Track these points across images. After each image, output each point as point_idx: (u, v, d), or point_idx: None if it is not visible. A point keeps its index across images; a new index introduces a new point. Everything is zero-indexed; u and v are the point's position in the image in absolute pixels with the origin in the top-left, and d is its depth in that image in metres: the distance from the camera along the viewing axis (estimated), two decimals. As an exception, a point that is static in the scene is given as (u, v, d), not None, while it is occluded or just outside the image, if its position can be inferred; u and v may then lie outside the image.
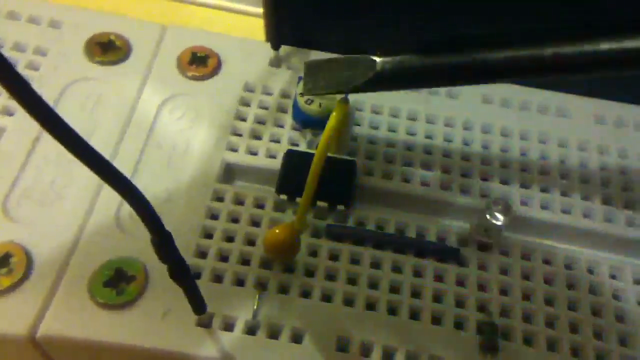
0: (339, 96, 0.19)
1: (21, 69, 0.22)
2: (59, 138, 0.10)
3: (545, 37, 0.15)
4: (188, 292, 0.15)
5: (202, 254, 0.18)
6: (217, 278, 0.18)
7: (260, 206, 0.20)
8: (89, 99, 0.22)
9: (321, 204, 0.20)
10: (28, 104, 0.09)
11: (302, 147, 0.21)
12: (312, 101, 0.21)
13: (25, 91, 0.09)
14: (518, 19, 0.21)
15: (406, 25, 0.23)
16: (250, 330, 0.17)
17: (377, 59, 0.16)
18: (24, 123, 0.20)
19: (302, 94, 0.21)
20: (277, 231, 0.17)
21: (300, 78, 0.22)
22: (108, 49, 0.23)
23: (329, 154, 0.20)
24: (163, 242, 0.13)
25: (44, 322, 0.16)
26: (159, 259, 0.13)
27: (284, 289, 0.18)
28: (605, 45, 0.14)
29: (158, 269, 0.18)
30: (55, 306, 0.17)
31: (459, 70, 0.16)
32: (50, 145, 0.20)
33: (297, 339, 0.17)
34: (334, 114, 0.17)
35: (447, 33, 0.22)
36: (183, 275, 0.14)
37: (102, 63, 0.23)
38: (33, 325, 0.16)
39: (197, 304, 0.16)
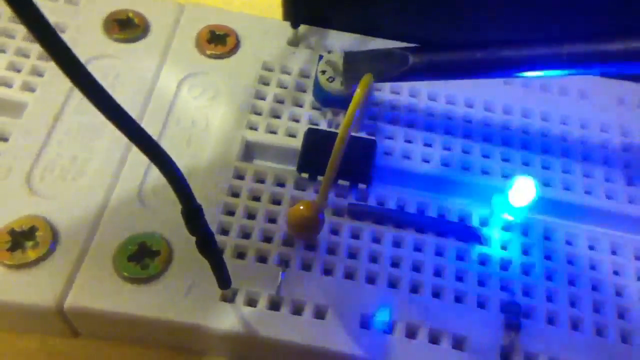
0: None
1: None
2: (93, 99, 0.10)
3: (563, 39, 0.17)
4: (215, 265, 0.15)
5: (225, 231, 0.18)
6: (240, 255, 0.18)
7: (281, 184, 0.20)
8: (108, 76, 0.21)
9: (342, 182, 0.20)
10: (63, 61, 0.09)
11: (322, 126, 0.21)
12: (333, 79, 0.20)
13: (61, 48, 0.09)
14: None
15: (424, 6, 0.23)
16: (274, 305, 0.17)
17: (410, 54, 0.17)
18: (45, 99, 0.20)
19: (323, 72, 0.20)
20: (301, 207, 0.17)
21: (321, 57, 0.21)
22: (126, 27, 0.23)
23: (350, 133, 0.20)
24: (193, 213, 0.13)
25: (70, 294, 0.16)
26: (188, 230, 0.13)
27: (306, 267, 0.18)
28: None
29: (182, 245, 0.18)
30: (81, 279, 0.17)
31: (482, 66, 0.18)
32: (71, 121, 0.20)
33: (320, 315, 0.17)
34: (358, 90, 0.17)
35: (459, 13, 0.23)
36: (211, 248, 0.14)
37: (121, 40, 0.22)
38: (60, 297, 0.16)
39: (223, 278, 0.16)
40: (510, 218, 0.19)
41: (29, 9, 0.08)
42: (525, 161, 0.21)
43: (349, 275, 0.18)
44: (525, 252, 0.19)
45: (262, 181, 0.20)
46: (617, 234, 0.20)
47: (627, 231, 0.20)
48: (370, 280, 0.18)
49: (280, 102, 0.22)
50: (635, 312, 0.18)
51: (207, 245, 0.14)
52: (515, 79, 0.23)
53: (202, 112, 0.21)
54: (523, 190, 0.18)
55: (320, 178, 0.19)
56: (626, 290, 0.18)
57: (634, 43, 0.16)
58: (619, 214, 0.20)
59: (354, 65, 0.19)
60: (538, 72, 0.18)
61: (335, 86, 0.20)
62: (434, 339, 0.17)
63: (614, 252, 0.19)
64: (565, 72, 0.18)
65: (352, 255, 0.18)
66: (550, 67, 0.17)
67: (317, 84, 0.21)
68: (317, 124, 0.21)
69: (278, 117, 0.21)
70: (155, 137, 0.20)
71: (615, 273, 0.19)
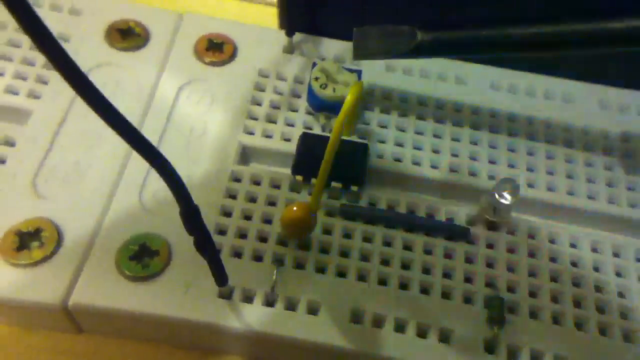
0: (352, 82, 0.20)
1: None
2: (94, 106, 0.10)
3: (565, 20, 0.17)
4: (212, 264, 0.16)
5: (222, 232, 0.19)
6: (237, 254, 0.19)
7: (276, 187, 0.21)
8: (109, 84, 0.22)
9: (335, 184, 0.20)
10: (67, 72, 0.10)
11: (316, 131, 0.22)
12: (326, 86, 0.21)
13: (64, 59, 0.10)
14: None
15: (420, 15, 0.23)
16: (269, 302, 0.18)
17: (418, 31, 0.17)
18: (50, 106, 0.21)
19: (316, 79, 0.21)
20: (294, 209, 0.18)
21: (314, 64, 0.22)
22: (128, 36, 0.24)
23: (343, 137, 0.20)
24: (191, 214, 0.14)
25: (75, 292, 0.17)
26: (186, 230, 0.14)
27: (300, 265, 0.19)
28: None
29: (180, 245, 0.18)
30: (84, 278, 0.17)
31: (486, 44, 0.18)
32: (74, 127, 0.21)
33: (313, 311, 0.18)
34: (348, 97, 0.18)
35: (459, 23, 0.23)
36: (208, 247, 0.15)
37: (122, 49, 0.23)
38: (65, 295, 0.17)
39: (220, 275, 0.16)
40: (496, 218, 0.20)
41: (32, 20, 0.09)
42: (511, 163, 0.22)
43: (341, 273, 0.19)
44: (510, 250, 0.20)
45: (258, 183, 0.21)
46: (597, 232, 0.21)
47: (606, 230, 0.21)
48: (361, 277, 0.19)
49: (276, 107, 0.23)
50: (615, 306, 0.19)
51: (205, 244, 0.15)
52: (502, 83, 0.24)
53: (201, 118, 0.22)
54: (508, 191, 0.19)
55: (314, 180, 0.20)
56: (606, 286, 0.19)
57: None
58: (600, 214, 0.21)
59: (363, 41, 0.19)
60: (544, 52, 0.18)
61: (328, 92, 0.21)
62: (421, 333, 0.18)
63: (594, 250, 0.20)
64: (569, 51, 0.18)
65: (344, 254, 0.19)
66: (551, 47, 0.18)
67: (310, 90, 0.22)
68: (311, 129, 0.22)
69: (273, 122, 0.22)
70: (155, 142, 0.21)
71: (595, 269, 0.19)
